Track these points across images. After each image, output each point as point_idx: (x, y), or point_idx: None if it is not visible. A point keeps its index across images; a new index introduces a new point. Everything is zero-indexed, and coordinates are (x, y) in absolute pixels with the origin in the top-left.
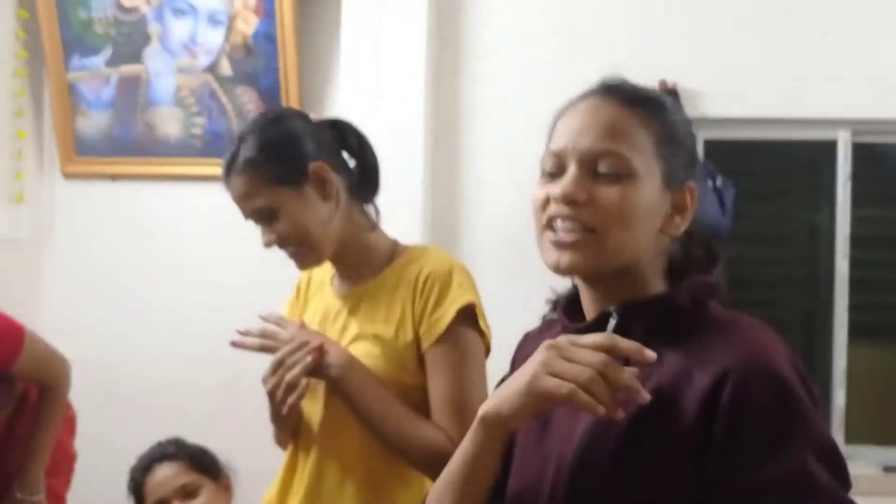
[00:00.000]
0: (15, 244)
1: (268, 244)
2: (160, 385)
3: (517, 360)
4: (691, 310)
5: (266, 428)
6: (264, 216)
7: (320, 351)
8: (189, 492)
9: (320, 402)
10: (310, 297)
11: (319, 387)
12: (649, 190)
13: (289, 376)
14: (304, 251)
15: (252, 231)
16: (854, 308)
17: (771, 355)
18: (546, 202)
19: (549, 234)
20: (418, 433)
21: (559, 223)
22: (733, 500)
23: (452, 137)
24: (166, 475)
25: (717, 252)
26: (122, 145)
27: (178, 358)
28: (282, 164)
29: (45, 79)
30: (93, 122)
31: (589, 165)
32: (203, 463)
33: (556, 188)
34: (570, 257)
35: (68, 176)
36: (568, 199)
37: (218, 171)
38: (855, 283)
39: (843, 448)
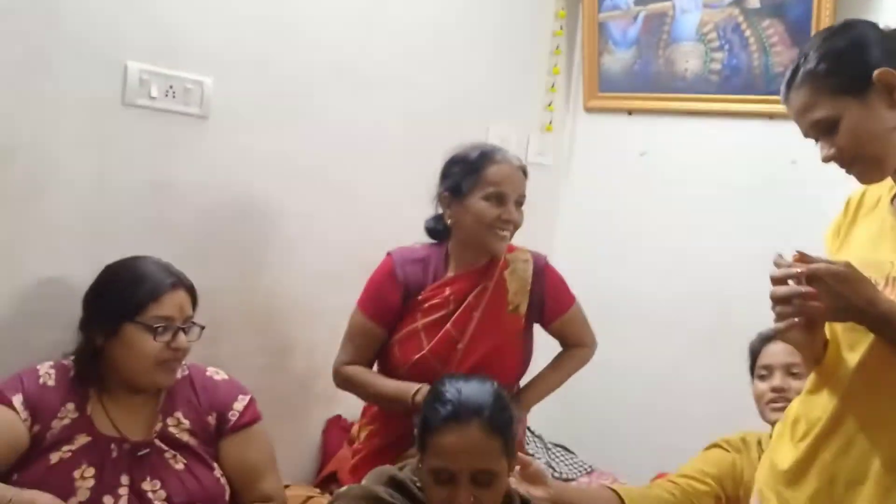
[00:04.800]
0: (541, 168)
1: (826, 159)
2: (649, 316)
3: None
4: None
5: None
6: (824, 128)
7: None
8: (793, 372)
9: (863, 345)
10: (860, 216)
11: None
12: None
13: (779, 309)
14: (864, 165)
15: (754, 172)
16: None
17: None
18: None
19: None
20: None
21: None
22: None
23: None
24: (779, 350)
25: None
26: (640, 81)
27: (668, 290)
28: (845, 73)
29: (580, 19)
30: (616, 60)
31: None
32: None
33: None
34: None
35: (589, 110)
36: None
37: (732, 107)
38: None
39: None
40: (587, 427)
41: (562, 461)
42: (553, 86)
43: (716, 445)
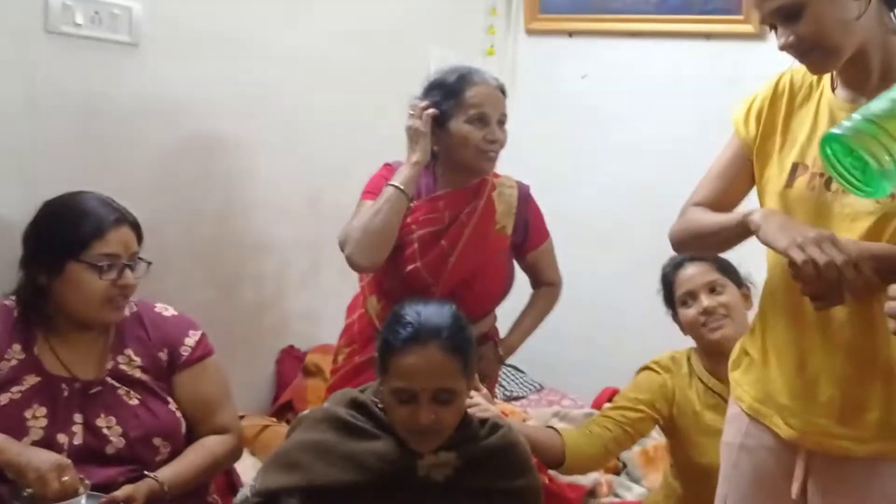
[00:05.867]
0: None
1: (784, 46)
2: (592, 235)
3: None
4: None
5: None
6: (785, 15)
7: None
8: (715, 289)
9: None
10: (796, 107)
11: None
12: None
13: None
14: (823, 54)
15: (693, 91)
16: None
17: None
18: None
19: None
20: None
21: None
22: None
23: None
24: (695, 272)
25: None
26: (581, 2)
27: (610, 210)
28: None
29: None
30: None
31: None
32: (726, 268)
33: None
34: None
35: (530, 32)
36: None
37: (669, 27)
38: None
39: None
40: (535, 346)
41: (512, 380)
42: (494, 8)
43: (646, 368)
